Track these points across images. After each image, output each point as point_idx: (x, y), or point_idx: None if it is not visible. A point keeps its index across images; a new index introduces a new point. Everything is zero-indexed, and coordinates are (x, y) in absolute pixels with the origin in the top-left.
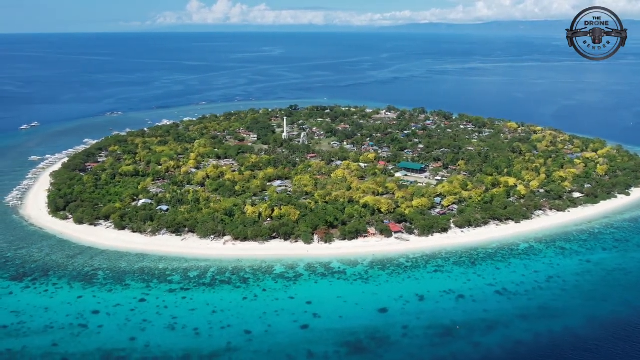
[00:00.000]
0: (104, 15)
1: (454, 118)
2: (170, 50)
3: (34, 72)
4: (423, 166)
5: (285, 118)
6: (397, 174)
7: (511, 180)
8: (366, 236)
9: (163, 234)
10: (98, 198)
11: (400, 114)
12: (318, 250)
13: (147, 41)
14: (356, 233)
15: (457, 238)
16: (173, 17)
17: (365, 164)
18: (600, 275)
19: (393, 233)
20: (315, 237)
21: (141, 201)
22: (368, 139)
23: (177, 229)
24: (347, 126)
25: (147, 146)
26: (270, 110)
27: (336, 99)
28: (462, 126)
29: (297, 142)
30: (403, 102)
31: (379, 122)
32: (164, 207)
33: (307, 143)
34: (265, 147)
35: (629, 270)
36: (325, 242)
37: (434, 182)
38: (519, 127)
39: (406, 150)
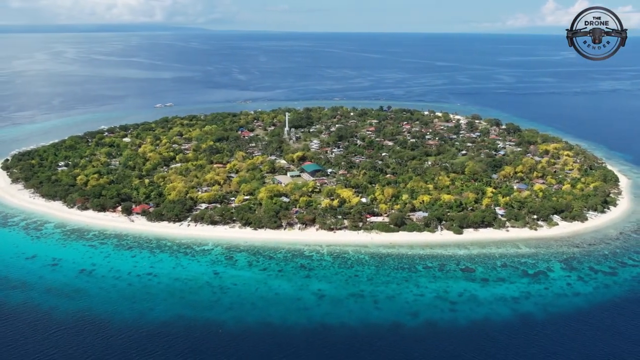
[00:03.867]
0: (457, 17)
1: (502, 131)
2: (466, 52)
3: (281, 64)
4: (318, 169)
5: (287, 115)
6: (288, 174)
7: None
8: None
9: None
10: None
11: (462, 124)
12: None
13: (466, 42)
14: (102, 207)
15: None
16: (524, 19)
17: (285, 162)
18: None
19: (133, 212)
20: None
21: None
22: (358, 141)
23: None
24: (371, 130)
25: (169, 128)
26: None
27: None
28: (501, 144)
29: (285, 138)
30: None
31: (401, 128)
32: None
33: (289, 139)
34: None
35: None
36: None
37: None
38: (553, 149)
39: (357, 155)
